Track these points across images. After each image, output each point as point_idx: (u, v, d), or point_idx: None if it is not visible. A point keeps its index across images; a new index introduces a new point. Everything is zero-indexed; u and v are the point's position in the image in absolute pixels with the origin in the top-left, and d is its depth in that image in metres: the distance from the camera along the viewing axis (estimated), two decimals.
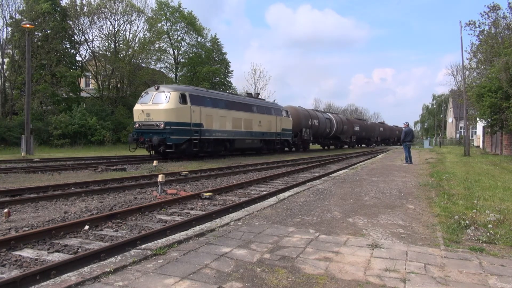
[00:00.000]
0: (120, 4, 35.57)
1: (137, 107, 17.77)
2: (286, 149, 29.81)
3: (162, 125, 16.54)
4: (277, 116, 26.03)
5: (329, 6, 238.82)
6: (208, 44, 46.61)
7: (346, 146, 42.97)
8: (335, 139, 39.49)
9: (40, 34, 31.34)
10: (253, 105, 23.82)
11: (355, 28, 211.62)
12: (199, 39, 45.49)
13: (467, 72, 27.90)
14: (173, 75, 44.13)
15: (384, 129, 57.81)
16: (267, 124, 24.73)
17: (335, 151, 34.27)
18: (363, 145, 51.37)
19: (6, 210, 6.08)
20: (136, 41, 37.48)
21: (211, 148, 19.42)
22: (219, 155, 20.90)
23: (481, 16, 23.65)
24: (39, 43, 30.82)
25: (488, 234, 4.39)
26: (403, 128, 17.18)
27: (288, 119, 27.70)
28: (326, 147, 39.81)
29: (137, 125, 17.46)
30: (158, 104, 17.04)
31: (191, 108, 17.58)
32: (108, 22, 35.77)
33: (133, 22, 37.09)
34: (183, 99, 17.34)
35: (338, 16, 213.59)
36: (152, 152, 18.16)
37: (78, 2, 34.97)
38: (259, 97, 30.35)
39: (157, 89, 17.63)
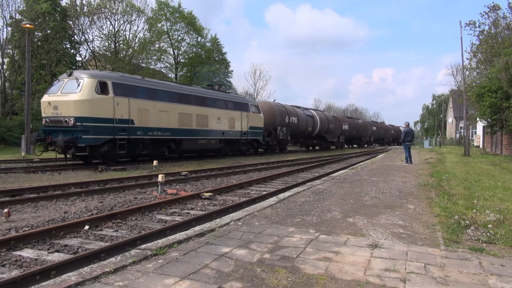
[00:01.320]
0: (120, 4, 35.56)
1: (44, 98, 14.18)
2: (261, 150, 26.46)
3: (72, 121, 13.09)
4: (243, 112, 22.17)
5: (328, 6, 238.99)
6: (208, 44, 46.75)
7: (333, 147, 38.81)
8: (320, 139, 35.27)
9: (40, 34, 31.33)
10: (210, 98, 19.82)
11: (355, 28, 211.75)
12: (199, 39, 45.60)
13: (467, 72, 27.92)
14: (173, 75, 44.16)
15: (377, 128, 53.28)
16: (229, 121, 20.95)
17: (326, 152, 31.52)
18: (355, 146, 46.98)
19: (6, 210, 6.09)
20: (136, 41, 37.49)
21: (148, 150, 15.86)
22: (162, 157, 17.11)
23: (481, 16, 23.68)
24: (39, 43, 30.81)
25: (488, 234, 4.39)
26: (403, 128, 17.21)
27: (259, 116, 23.90)
28: (310, 148, 36.18)
29: (44, 122, 13.95)
30: (67, 94, 13.40)
31: (115, 99, 14.03)
32: (108, 22, 35.76)
33: (133, 22, 37.06)
34: (102, 87, 13.76)
35: (338, 16, 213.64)
36: (68, 155, 14.43)
37: (78, 2, 34.95)
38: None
39: (70, 75, 13.99)
